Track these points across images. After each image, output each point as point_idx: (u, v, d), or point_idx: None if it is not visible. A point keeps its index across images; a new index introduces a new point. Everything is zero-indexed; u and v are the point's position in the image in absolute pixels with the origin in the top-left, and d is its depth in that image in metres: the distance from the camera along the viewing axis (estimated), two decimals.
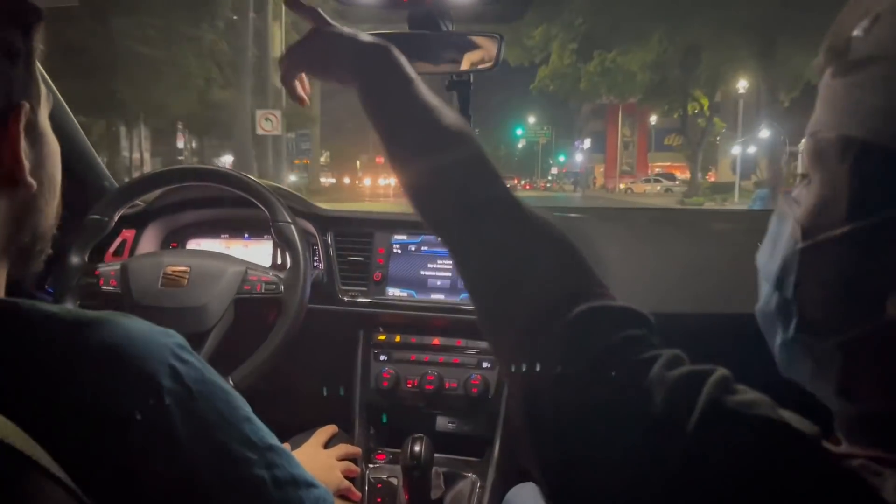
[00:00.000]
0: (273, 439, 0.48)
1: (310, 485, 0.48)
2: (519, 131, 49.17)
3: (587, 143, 47.58)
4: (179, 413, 0.41)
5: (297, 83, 0.62)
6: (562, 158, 57.35)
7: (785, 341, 0.36)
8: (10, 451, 0.32)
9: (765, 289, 0.39)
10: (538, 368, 0.36)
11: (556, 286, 0.39)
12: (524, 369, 0.37)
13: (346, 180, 32.19)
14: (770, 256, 0.38)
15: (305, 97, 0.65)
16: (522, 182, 55.57)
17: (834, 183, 0.33)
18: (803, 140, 0.37)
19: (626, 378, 0.33)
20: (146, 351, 0.42)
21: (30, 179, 0.47)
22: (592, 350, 0.35)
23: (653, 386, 0.32)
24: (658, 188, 31.00)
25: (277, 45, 14.79)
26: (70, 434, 0.38)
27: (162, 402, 0.41)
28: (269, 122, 12.38)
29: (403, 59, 0.52)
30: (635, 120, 41.12)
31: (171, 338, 0.45)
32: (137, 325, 0.44)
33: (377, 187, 31.45)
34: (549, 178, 55.63)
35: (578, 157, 52.15)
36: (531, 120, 52.65)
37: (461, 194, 0.44)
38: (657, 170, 41.03)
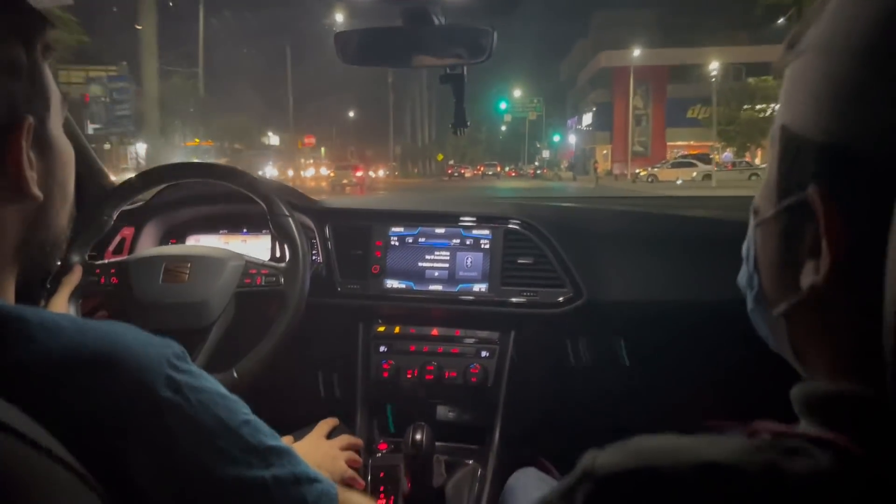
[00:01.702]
0: (273, 440, 0.57)
1: (312, 480, 0.58)
2: (503, 105, 48.72)
3: (587, 118, 42.02)
4: (177, 422, 0.50)
5: None
6: (556, 138, 54.03)
7: (750, 309, 0.49)
8: (21, 437, 0.40)
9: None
10: None
11: None
12: None
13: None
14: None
15: None
16: (506, 169, 52.67)
17: (770, 168, 0.44)
18: None
19: None
20: (143, 362, 0.50)
21: (35, 192, 0.54)
22: None
23: None
24: (693, 174, 25.75)
25: None
26: (69, 442, 0.45)
27: (158, 412, 0.49)
28: None
29: None
30: (650, 87, 36.06)
31: (169, 348, 0.53)
32: (135, 336, 0.52)
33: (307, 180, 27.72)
34: (537, 163, 52.33)
35: (572, 139, 47.24)
36: (517, 94, 48.44)
37: None
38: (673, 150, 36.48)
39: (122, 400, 0.49)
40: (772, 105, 23.81)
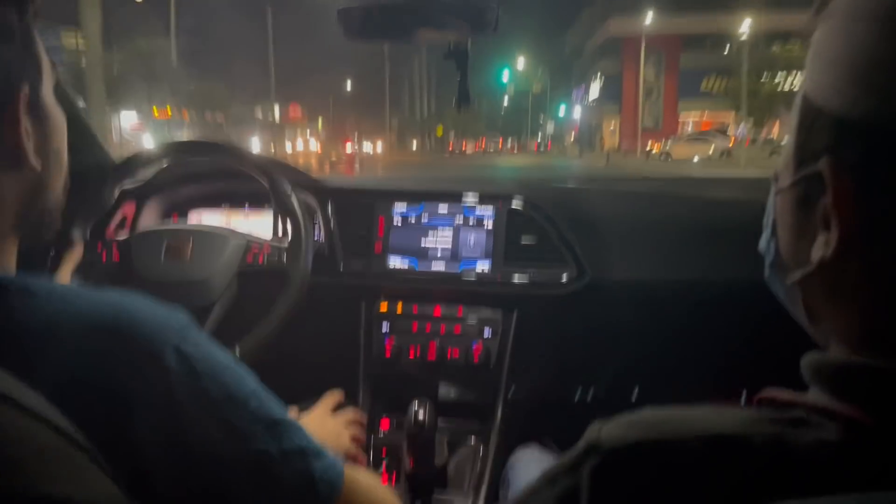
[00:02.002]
0: (281, 412, 0.59)
1: (319, 454, 0.60)
2: (506, 74, 47.58)
3: (595, 90, 40.06)
4: (185, 392, 0.51)
5: None
6: (562, 109, 51.06)
7: (767, 275, 0.52)
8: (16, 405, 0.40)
9: None
10: None
11: None
12: None
13: None
14: None
15: None
16: (508, 144, 52.09)
17: (790, 136, 0.46)
18: None
19: None
20: (152, 332, 0.52)
21: (33, 161, 0.55)
22: None
23: None
24: (710, 150, 24.33)
25: None
26: (76, 412, 0.45)
27: (167, 383, 0.51)
28: None
29: None
30: (662, 57, 34.45)
31: (178, 317, 0.55)
32: (144, 306, 0.54)
33: None
34: (539, 138, 51.17)
35: (577, 112, 45.26)
36: (520, 66, 46.05)
37: None
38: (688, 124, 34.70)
39: (131, 368, 0.50)
40: (795, 72, 23.38)
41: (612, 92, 37.43)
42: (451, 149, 45.52)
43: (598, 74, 39.50)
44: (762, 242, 0.52)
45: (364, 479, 0.68)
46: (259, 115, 35.74)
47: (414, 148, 52.80)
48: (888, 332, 0.38)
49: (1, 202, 0.55)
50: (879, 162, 0.37)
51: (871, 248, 0.38)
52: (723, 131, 27.28)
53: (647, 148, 28.45)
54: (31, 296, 0.50)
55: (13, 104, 0.53)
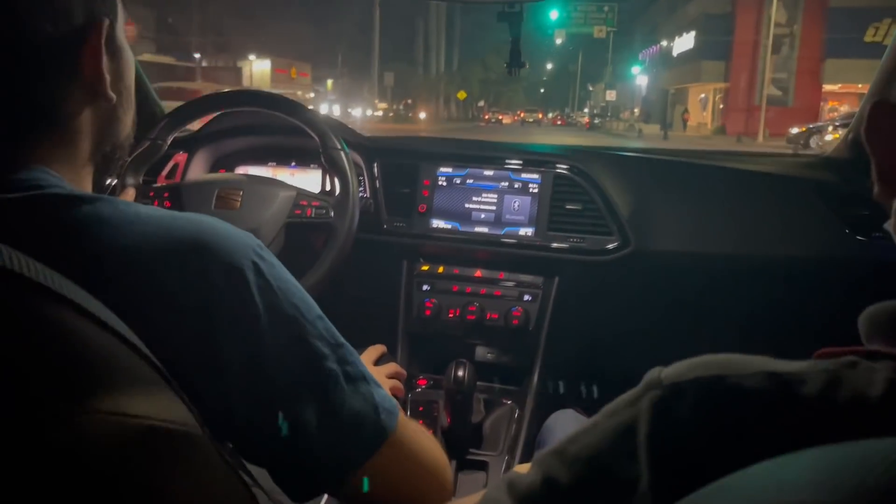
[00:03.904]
0: (342, 338, 0.71)
1: (377, 384, 0.73)
2: (554, 14, 44.76)
3: (686, 41, 32.33)
4: (263, 305, 0.64)
5: None
6: (636, 69, 44.48)
7: None
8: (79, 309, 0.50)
9: None
10: None
11: None
12: None
13: None
14: None
15: None
16: (550, 115, 50.75)
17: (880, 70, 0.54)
18: None
19: None
20: (233, 247, 0.64)
21: (110, 92, 0.69)
22: None
23: None
24: None
25: None
26: (162, 327, 0.59)
27: (246, 296, 0.63)
28: None
29: None
30: None
31: (252, 238, 0.68)
32: (222, 224, 0.66)
33: None
34: (587, 110, 48.74)
35: (641, 81, 41.55)
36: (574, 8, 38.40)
37: None
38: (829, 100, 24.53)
39: (214, 281, 0.62)
40: None
41: (713, 45, 30.24)
42: (486, 118, 47.47)
43: (692, 18, 31.54)
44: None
45: (411, 421, 0.81)
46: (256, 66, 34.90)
47: (423, 116, 46.66)
48: None
49: (82, 130, 0.69)
50: None
51: None
52: None
53: (799, 130, 20.65)
54: (121, 213, 0.62)
55: (97, 37, 0.67)
